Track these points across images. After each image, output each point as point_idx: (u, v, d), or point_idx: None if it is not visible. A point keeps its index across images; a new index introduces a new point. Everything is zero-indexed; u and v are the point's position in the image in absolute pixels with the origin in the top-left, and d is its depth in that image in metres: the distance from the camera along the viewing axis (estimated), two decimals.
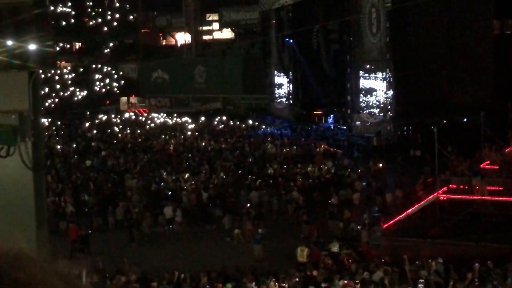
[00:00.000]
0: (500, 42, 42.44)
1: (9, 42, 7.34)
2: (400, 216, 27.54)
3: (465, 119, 39.30)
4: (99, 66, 65.82)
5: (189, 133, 51.68)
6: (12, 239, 0.85)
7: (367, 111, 44.72)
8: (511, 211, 26.00)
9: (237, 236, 27.49)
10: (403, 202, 29.39)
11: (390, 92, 42.28)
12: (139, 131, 53.42)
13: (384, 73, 42.66)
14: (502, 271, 18.51)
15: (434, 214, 27.62)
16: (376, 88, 43.74)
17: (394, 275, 19.07)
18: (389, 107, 42.54)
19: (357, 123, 45.67)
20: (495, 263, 19.33)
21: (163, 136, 50.15)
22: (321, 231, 26.69)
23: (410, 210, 27.96)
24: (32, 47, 7.44)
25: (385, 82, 42.71)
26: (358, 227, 26.78)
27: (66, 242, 25.74)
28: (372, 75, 44.05)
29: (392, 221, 27.16)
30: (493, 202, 26.93)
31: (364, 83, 44.79)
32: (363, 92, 44.88)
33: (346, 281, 18.70)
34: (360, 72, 45.09)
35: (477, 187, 27.80)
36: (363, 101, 44.99)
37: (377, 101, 43.81)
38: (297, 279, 19.32)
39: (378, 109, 43.73)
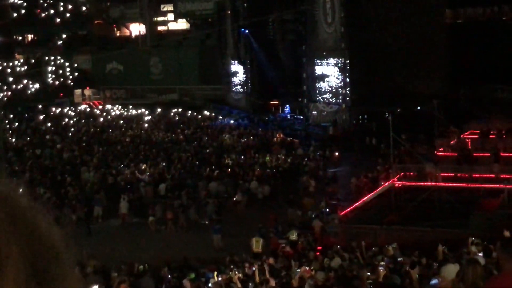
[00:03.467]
0: (453, 31, 43.14)
1: None
2: (357, 204, 27.90)
3: (419, 107, 39.91)
4: (52, 58, 64.69)
5: (145, 124, 51.30)
6: None
7: (322, 99, 45.03)
8: (465, 197, 26.58)
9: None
10: (360, 189, 29.75)
11: (341, 77, 42.64)
12: (94, 123, 52.80)
13: (337, 59, 43.02)
14: (457, 255, 18.87)
15: (389, 201, 28.05)
16: (328, 74, 44.10)
17: (352, 261, 19.29)
18: (345, 96, 42.91)
19: (313, 112, 46.00)
20: (450, 248, 19.71)
21: (119, 128, 49.68)
22: (280, 219, 26.88)
23: (366, 197, 28.33)
24: None
25: (336, 67, 43.06)
26: (316, 215, 27.02)
27: None
28: (325, 61, 44.39)
29: (349, 209, 27.50)
30: (447, 188, 27.48)
31: (317, 69, 45.12)
32: (317, 78, 45.21)
33: (304, 268, 18.83)
34: (316, 60, 45.38)
35: (430, 174, 28.32)
36: (318, 88, 45.32)
37: (329, 86, 44.13)
38: (254, 269, 19.40)
39: (334, 98, 44.07)
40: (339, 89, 43.46)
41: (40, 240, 0.74)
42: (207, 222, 27.51)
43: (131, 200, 30.20)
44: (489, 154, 29.58)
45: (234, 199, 30.39)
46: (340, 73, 43.03)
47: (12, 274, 0.67)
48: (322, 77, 44.81)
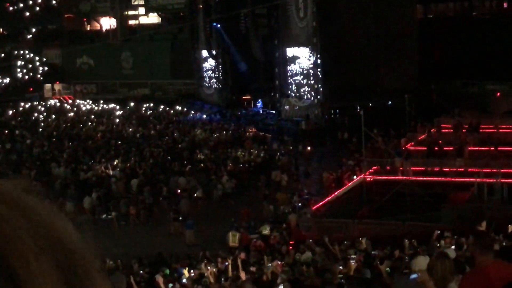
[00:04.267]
0: (423, 26, 43.48)
1: None
2: (329, 198, 28.00)
3: (390, 102, 40.17)
4: (22, 52, 63.86)
5: (117, 120, 50.89)
6: None
7: (293, 94, 45.10)
8: (435, 191, 26.83)
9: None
10: (331, 183, 29.85)
11: (313, 72, 42.72)
12: (64, 118, 52.25)
13: (309, 54, 43.08)
14: (428, 248, 19.03)
15: (361, 195, 28.21)
16: (300, 68, 44.18)
17: (323, 255, 19.35)
18: (317, 91, 43.00)
19: (285, 107, 46.04)
20: (421, 241, 19.86)
21: (90, 123, 49.23)
22: (252, 214, 26.89)
23: (338, 191, 28.45)
24: None
25: (308, 62, 43.15)
26: (288, 209, 27.06)
27: None
28: (296, 56, 44.48)
29: (321, 203, 27.59)
30: (418, 182, 27.71)
31: (289, 64, 45.18)
32: (289, 73, 45.28)
33: (276, 262, 18.84)
34: (288, 55, 45.43)
35: (401, 168, 28.54)
36: (290, 83, 45.38)
37: (301, 81, 44.20)
38: (227, 263, 19.36)
39: (306, 93, 44.12)
40: (311, 84, 43.54)
41: (66, 247, 0.69)
42: (180, 218, 27.40)
43: (101, 196, 29.90)
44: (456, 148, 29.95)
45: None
46: (312, 68, 43.10)
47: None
48: (294, 71, 44.89)
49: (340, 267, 15.72)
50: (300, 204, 27.79)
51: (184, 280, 17.03)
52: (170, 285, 16.51)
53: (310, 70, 43.29)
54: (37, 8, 63.79)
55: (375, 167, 29.83)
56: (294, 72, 45.12)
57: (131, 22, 67.98)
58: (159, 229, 27.24)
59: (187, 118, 50.88)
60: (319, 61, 42.23)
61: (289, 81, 45.71)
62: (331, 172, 31.00)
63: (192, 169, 33.49)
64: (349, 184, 29.06)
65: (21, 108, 56.92)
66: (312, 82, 43.37)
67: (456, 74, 40.56)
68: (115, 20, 66.48)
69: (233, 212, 27.62)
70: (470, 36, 41.30)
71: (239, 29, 52.40)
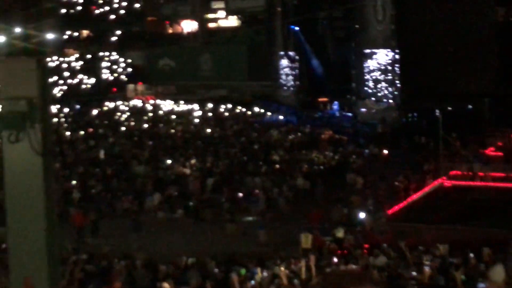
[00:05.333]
0: (504, 29, 42.39)
1: (18, 30, 7.55)
2: (405, 202, 27.75)
3: (470, 106, 39.37)
4: (107, 53, 65.96)
5: (195, 120, 51.88)
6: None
7: (370, 97, 44.78)
8: None
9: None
10: (408, 188, 29.55)
11: (391, 75, 42.26)
12: (145, 118, 53.65)
13: (387, 57, 42.72)
14: (504, 255, 18.66)
15: (438, 200, 27.82)
16: (378, 71, 43.83)
17: (397, 260, 19.25)
18: (395, 94, 42.59)
19: (362, 110, 45.79)
20: (498, 248, 19.49)
21: (169, 123, 50.38)
22: (326, 217, 26.94)
23: (414, 196, 28.15)
24: (40, 34, 7.66)
25: (386, 65, 42.77)
26: (363, 213, 26.97)
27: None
28: (374, 58, 44.13)
29: (396, 207, 27.38)
30: (496, 188, 27.10)
31: (366, 66, 44.86)
32: (366, 76, 44.97)
33: (351, 266, 18.87)
34: (365, 58, 45.15)
35: (480, 173, 27.98)
36: (367, 85, 45.06)
37: (378, 71, 43.72)
38: (300, 265, 19.51)
39: (383, 96, 43.74)
40: (389, 87, 43.14)
41: None
42: (251, 218, 27.72)
43: (179, 194, 30.61)
44: None
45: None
46: (390, 71, 42.70)
47: None
48: (371, 74, 44.57)
49: (414, 273, 15.63)
50: (374, 207, 27.65)
51: (255, 280, 17.29)
52: (252, 282, 16.77)
53: (388, 73, 42.92)
54: (122, 11, 65.72)
55: (453, 172, 29.35)
56: (371, 75, 44.83)
57: (211, 25, 69.09)
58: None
59: (263, 120, 51.31)
60: (396, 64, 41.81)
61: (366, 83, 45.44)
62: (402, 180, 30.58)
63: (267, 169, 33.82)
64: (426, 188, 28.71)
65: (105, 108, 58.77)
66: (390, 85, 42.98)
67: None
68: (195, 23, 67.75)
69: (306, 214, 27.75)
70: None
71: (316, 31, 52.47)
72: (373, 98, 44.74)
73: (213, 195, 30.62)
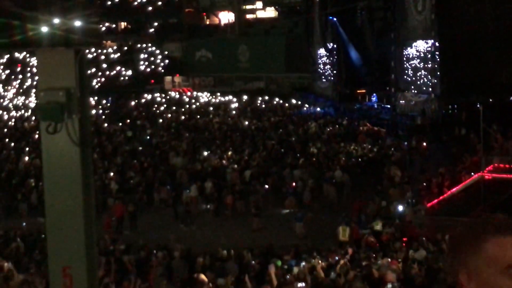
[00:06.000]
0: None
1: (56, 20, 7.54)
2: (444, 195, 27.36)
3: (511, 98, 38.57)
4: (144, 45, 66.43)
5: (232, 112, 51.95)
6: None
7: (410, 89, 44.22)
8: None
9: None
10: (448, 181, 29.11)
11: (431, 66, 41.63)
12: (183, 109, 53.92)
13: (427, 48, 42.09)
14: None
15: (478, 193, 27.34)
16: (418, 62, 43.24)
17: (437, 254, 18.99)
18: (434, 86, 41.96)
19: (401, 101, 45.24)
20: None
21: (207, 115, 50.57)
22: (364, 209, 26.74)
23: (454, 189, 27.73)
24: (79, 24, 7.64)
25: (426, 56, 42.14)
26: (401, 205, 26.68)
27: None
28: (414, 49, 43.50)
29: (436, 200, 27.01)
30: None
31: (406, 58, 44.28)
32: (405, 67, 44.38)
33: (389, 259, 18.69)
34: (404, 49, 44.58)
35: None
36: (406, 77, 44.48)
37: (417, 62, 43.09)
38: (337, 258, 19.40)
39: (423, 87, 43.15)
40: (428, 78, 42.53)
41: None
42: (288, 211, 27.68)
43: (217, 186, 30.67)
44: None
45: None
46: (429, 62, 42.08)
47: None
48: (411, 66, 43.99)
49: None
50: (414, 200, 27.32)
51: (293, 272, 17.23)
52: (290, 274, 16.73)
53: (428, 64, 42.29)
54: (159, 3, 66.07)
55: (493, 165, 28.82)
56: (410, 67, 44.25)
57: (248, 16, 69.03)
58: (270, 220, 27.63)
59: (301, 111, 51.12)
60: (436, 55, 41.17)
61: (405, 75, 44.87)
62: (447, 169, 30.16)
63: (305, 162, 33.68)
64: (466, 181, 28.25)
65: (143, 100, 59.26)
66: (430, 76, 42.35)
67: None
68: (233, 14, 67.77)
69: (344, 206, 27.59)
70: None
71: (355, 22, 51.99)
72: (412, 90, 44.16)
73: (250, 187, 30.60)
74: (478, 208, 25.49)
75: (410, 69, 44.35)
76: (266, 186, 30.49)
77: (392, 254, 19.83)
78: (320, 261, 18.53)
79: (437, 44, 41.08)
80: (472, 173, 28.65)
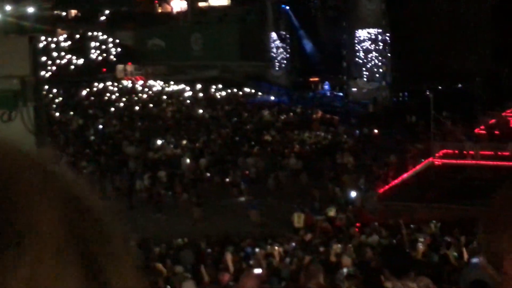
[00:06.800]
0: (498, 10, 42.29)
1: (8, 7, 7.43)
2: (396, 181, 27.86)
3: (461, 85, 39.43)
4: (95, 33, 65.47)
5: (186, 100, 51.72)
6: None
7: (362, 77, 44.75)
8: (505, 175, 26.32)
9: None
10: (399, 167, 29.67)
11: (382, 54, 42.22)
12: (136, 98, 53.44)
13: (378, 36, 42.65)
14: None
15: (429, 178, 27.94)
16: (369, 51, 43.79)
17: (389, 239, 19.36)
18: (386, 74, 42.58)
19: (353, 89, 45.78)
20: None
21: (160, 104, 50.24)
22: (318, 196, 27.05)
23: (405, 175, 28.27)
24: (31, 11, 7.53)
25: (377, 44, 42.72)
26: (354, 192, 27.08)
27: None
28: (365, 38, 44.02)
29: (387, 186, 27.49)
30: (487, 166, 27.24)
31: (358, 46, 44.77)
32: (357, 56, 44.88)
33: (342, 245, 18.97)
34: (356, 37, 45.04)
35: (470, 152, 28.12)
36: (358, 65, 44.97)
37: (369, 63, 43.68)
38: (294, 244, 19.62)
39: (374, 75, 43.73)
40: (380, 66, 43.12)
41: (86, 215, 0.53)
42: (243, 199, 27.81)
43: (171, 175, 30.61)
44: None
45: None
46: (381, 51, 42.65)
47: (51, 240, 0.47)
48: (362, 54, 44.51)
49: (407, 250, 15.73)
50: (366, 186, 27.76)
51: (250, 260, 17.34)
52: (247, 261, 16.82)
53: (379, 53, 42.87)
54: None
55: (443, 151, 29.47)
56: (362, 55, 44.76)
57: (201, 4, 68.60)
58: (225, 209, 27.69)
59: (255, 100, 51.23)
60: (387, 43, 41.77)
61: (357, 63, 45.38)
62: (398, 156, 30.74)
63: (259, 150, 33.83)
64: (417, 167, 28.84)
65: (94, 89, 58.47)
66: (381, 64, 42.96)
67: None
68: (185, 2, 67.27)
69: (298, 193, 27.83)
70: None
71: (307, 10, 52.22)
72: (364, 78, 44.73)
73: (204, 176, 30.62)
74: (428, 193, 26.06)
75: (361, 58, 44.89)
76: (222, 176, 30.49)
77: (346, 239, 20.14)
78: (276, 248, 18.70)
79: (387, 33, 41.66)
80: (423, 159, 29.24)
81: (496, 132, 31.12)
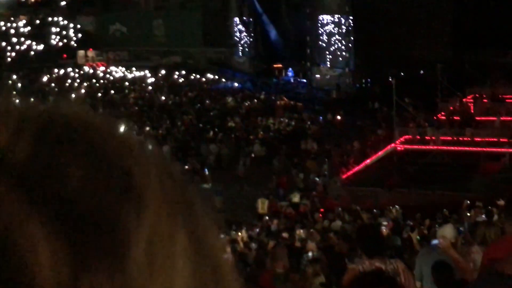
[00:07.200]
0: None
1: None
2: (359, 167, 28.13)
3: (422, 72, 39.90)
4: (56, 19, 64.42)
5: (149, 87, 51.34)
6: None
7: (325, 63, 44.96)
8: (466, 161, 26.80)
9: None
10: (362, 152, 29.96)
11: (345, 41, 42.49)
12: (97, 85, 52.87)
13: (341, 23, 42.88)
14: (458, 217, 19.15)
15: (391, 164, 28.28)
16: (332, 37, 44.01)
17: (352, 223, 19.56)
18: (349, 60, 42.87)
19: (316, 76, 45.98)
20: (451, 211, 19.98)
21: (123, 90, 49.80)
22: (282, 182, 27.17)
23: (368, 160, 28.56)
24: None
25: (340, 31, 42.95)
26: (319, 178, 27.28)
27: None
28: (329, 25, 44.20)
29: (351, 172, 27.75)
30: (449, 152, 27.69)
31: (321, 33, 44.95)
32: (320, 42, 45.06)
33: (307, 230, 19.11)
34: (319, 24, 45.20)
35: (432, 138, 28.53)
36: (321, 52, 45.16)
37: (333, 50, 43.92)
38: (257, 230, 19.71)
39: (337, 62, 43.99)
40: (343, 53, 43.38)
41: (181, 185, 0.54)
42: (208, 185, 27.75)
43: None
44: (495, 118, 29.81)
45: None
46: (344, 37, 42.89)
47: (165, 203, 0.49)
48: (326, 40, 44.71)
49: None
50: (330, 172, 27.98)
51: None
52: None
53: (342, 39, 43.10)
54: None
55: (405, 137, 29.83)
56: (326, 41, 44.94)
57: None
58: None
59: (218, 86, 51.09)
60: (350, 30, 42.01)
61: (320, 50, 45.56)
62: (361, 141, 31.07)
63: (223, 136, 33.80)
64: (380, 153, 29.14)
65: (55, 75, 57.62)
66: (344, 51, 43.21)
67: (489, 44, 40.06)
68: None
69: (262, 180, 27.91)
70: (503, 5, 40.62)
71: None
72: (327, 63, 44.94)
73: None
74: (390, 179, 26.38)
75: (325, 44, 45.08)
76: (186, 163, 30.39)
77: (309, 225, 20.29)
78: (240, 233, 18.76)
79: (351, 19, 41.89)
80: (385, 145, 29.57)
81: (456, 118, 31.61)
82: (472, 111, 32.14)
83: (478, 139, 27.97)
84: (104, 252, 0.43)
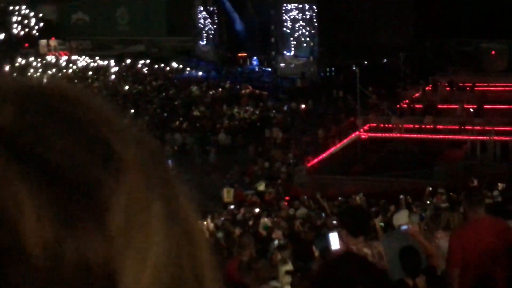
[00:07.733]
0: None
1: None
2: (324, 155, 28.33)
3: (385, 60, 40.26)
4: (17, 7, 63.33)
5: (112, 76, 50.85)
6: None
7: (289, 52, 45.06)
8: (428, 148, 27.19)
9: None
10: (326, 141, 30.16)
11: (309, 30, 42.62)
12: (60, 74, 52.20)
13: (305, 11, 42.99)
14: (421, 204, 19.43)
15: (356, 152, 28.54)
16: (296, 26, 44.11)
17: (318, 211, 19.70)
18: (313, 49, 43.02)
19: (281, 65, 46.04)
20: (414, 198, 20.24)
21: (86, 80, 49.27)
22: (247, 171, 27.24)
23: (333, 148, 28.76)
24: None
25: (304, 19, 43.08)
26: (284, 166, 27.38)
27: None
28: (292, 13, 44.27)
29: (316, 160, 27.92)
30: (412, 139, 28.04)
31: (285, 21, 44.99)
32: (284, 31, 45.11)
33: (272, 218, 19.20)
34: (283, 12, 45.23)
35: (395, 125, 28.86)
36: (285, 40, 45.21)
37: (297, 39, 44.01)
38: (223, 218, 19.72)
39: (301, 50, 44.11)
40: (307, 39, 43.51)
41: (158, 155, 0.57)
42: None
43: None
44: (457, 106, 30.25)
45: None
46: (308, 25, 43.01)
47: (142, 172, 0.51)
48: (290, 29, 44.78)
49: (334, 222, 16.06)
50: (295, 160, 28.11)
51: None
52: None
53: (306, 28, 43.21)
54: None
55: (369, 125, 30.11)
56: (290, 30, 45.01)
57: None
58: None
59: (182, 75, 50.85)
60: (315, 18, 42.12)
61: (284, 38, 45.62)
62: (325, 130, 31.27)
63: (188, 125, 33.71)
64: (344, 141, 29.37)
65: (17, 64, 56.71)
66: (308, 39, 43.33)
67: (452, 33, 40.58)
68: None
69: (228, 169, 27.94)
70: None
71: None
72: (292, 51, 45.03)
73: None
74: (355, 166, 26.65)
75: (289, 31, 45.14)
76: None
77: (274, 213, 20.38)
78: (205, 222, 18.75)
79: (315, 7, 42.01)
80: (350, 133, 29.82)
81: (419, 105, 31.99)
82: (433, 99, 32.56)
83: (441, 126, 28.38)
84: (86, 213, 0.45)
